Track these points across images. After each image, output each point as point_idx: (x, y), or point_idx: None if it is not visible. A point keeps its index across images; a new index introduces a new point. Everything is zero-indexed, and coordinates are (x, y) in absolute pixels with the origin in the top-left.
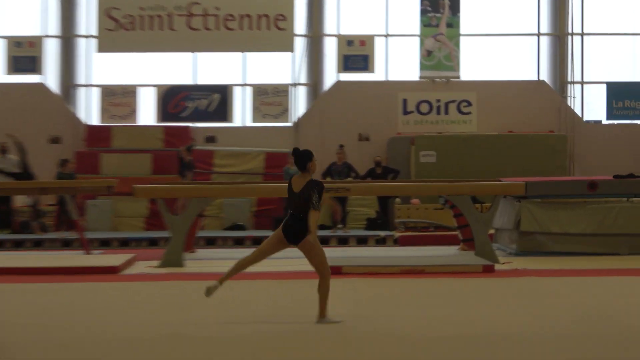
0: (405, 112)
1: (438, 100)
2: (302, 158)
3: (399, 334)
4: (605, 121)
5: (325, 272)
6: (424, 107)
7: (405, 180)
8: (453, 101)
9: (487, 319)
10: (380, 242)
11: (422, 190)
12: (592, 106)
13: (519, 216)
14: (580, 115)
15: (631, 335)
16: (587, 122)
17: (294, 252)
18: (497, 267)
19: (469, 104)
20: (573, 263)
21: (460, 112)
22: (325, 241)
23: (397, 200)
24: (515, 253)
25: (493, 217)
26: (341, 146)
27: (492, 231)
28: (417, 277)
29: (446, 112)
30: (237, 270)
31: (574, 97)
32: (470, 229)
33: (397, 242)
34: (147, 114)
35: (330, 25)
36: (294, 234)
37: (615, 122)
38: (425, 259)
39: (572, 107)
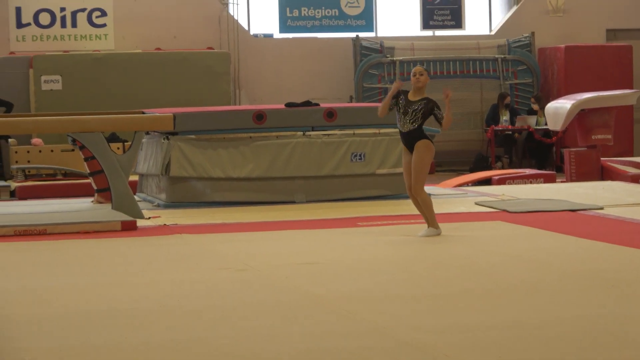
0: (20, 25)
1: (63, 9)
2: None
3: None
4: (277, 35)
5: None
6: (45, 18)
7: (20, 115)
8: (82, 10)
9: (123, 290)
10: None
11: (43, 127)
12: (262, 16)
13: (168, 158)
14: (246, 27)
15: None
16: (255, 36)
17: None
18: (141, 223)
19: (104, 13)
20: (238, 215)
21: (92, 24)
22: None
23: (13, 140)
24: (164, 205)
25: (134, 160)
26: None
27: (135, 177)
28: (36, 240)
29: (74, 25)
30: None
31: (237, 3)
32: (106, 176)
33: (15, 194)
34: None
35: None
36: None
37: (290, 35)
38: (47, 215)
39: (235, 17)
